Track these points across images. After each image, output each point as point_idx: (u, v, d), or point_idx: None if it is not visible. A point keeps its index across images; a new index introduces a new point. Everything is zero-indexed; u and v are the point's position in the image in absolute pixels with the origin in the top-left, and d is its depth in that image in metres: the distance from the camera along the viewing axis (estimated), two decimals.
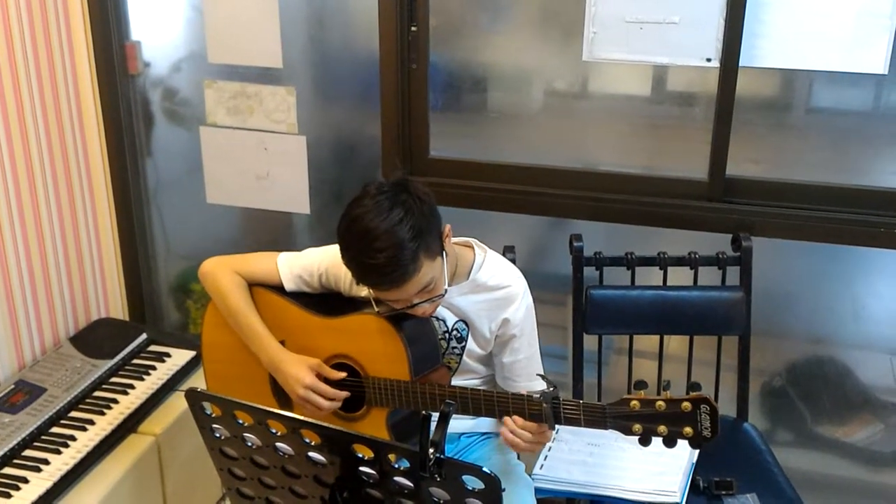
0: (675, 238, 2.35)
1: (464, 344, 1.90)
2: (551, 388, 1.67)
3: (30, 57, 2.44)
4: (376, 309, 1.79)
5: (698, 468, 1.99)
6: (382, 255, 1.64)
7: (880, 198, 2.27)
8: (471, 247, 1.91)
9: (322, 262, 1.93)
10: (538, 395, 1.67)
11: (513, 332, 1.89)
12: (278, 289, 1.94)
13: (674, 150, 2.42)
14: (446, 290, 1.76)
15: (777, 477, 2.12)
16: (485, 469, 1.31)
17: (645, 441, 1.61)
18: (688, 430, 1.57)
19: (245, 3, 2.50)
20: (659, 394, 1.61)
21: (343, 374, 1.84)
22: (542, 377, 1.74)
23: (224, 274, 1.94)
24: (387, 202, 1.68)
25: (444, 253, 1.75)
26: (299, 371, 1.83)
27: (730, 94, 2.23)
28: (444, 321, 1.88)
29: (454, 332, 1.89)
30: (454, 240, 1.87)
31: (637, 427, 1.60)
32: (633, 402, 1.60)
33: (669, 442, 1.59)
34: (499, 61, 2.47)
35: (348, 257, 1.71)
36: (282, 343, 1.89)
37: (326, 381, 1.84)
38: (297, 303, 1.91)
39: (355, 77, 2.56)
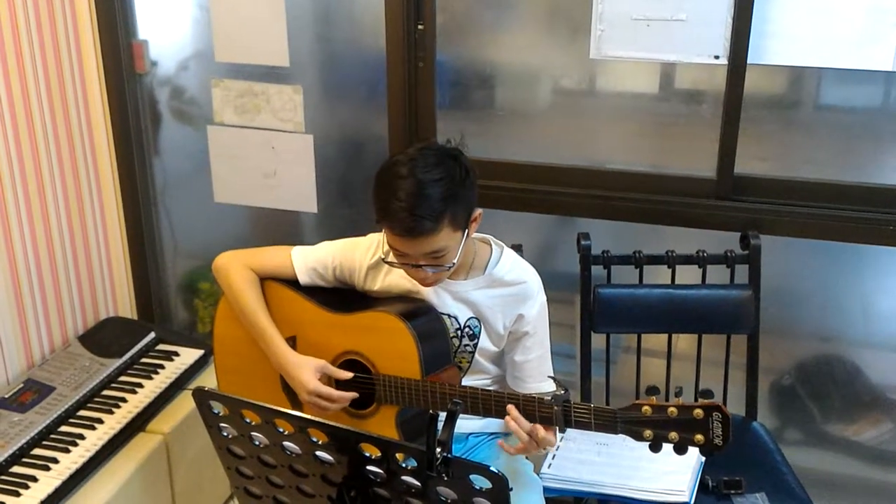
0: (683, 236, 2.34)
1: (476, 341, 1.89)
2: (562, 391, 1.66)
3: (37, 56, 2.44)
4: (384, 257, 1.80)
5: (707, 467, 1.99)
6: (405, 202, 1.65)
7: (889, 195, 2.26)
8: (488, 243, 1.91)
9: (336, 255, 1.93)
10: (549, 398, 1.66)
11: (526, 330, 1.88)
12: (291, 283, 1.94)
13: (682, 147, 2.41)
14: (454, 265, 1.75)
15: (786, 476, 2.11)
16: (492, 468, 1.31)
17: (655, 447, 1.61)
18: (699, 437, 1.57)
19: (252, 2, 2.50)
20: (669, 398, 1.60)
21: (350, 375, 1.84)
22: (554, 379, 1.74)
23: (237, 270, 1.94)
24: (433, 158, 1.70)
25: (466, 232, 1.75)
26: (303, 375, 1.83)
27: (738, 92, 2.22)
28: (456, 318, 1.87)
29: (466, 330, 1.88)
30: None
31: (648, 433, 1.59)
32: (645, 408, 1.59)
33: (680, 449, 1.59)
34: (506, 59, 2.46)
35: (376, 193, 1.72)
36: (293, 338, 1.89)
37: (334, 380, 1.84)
38: (310, 298, 1.91)
39: (362, 75, 2.56)
